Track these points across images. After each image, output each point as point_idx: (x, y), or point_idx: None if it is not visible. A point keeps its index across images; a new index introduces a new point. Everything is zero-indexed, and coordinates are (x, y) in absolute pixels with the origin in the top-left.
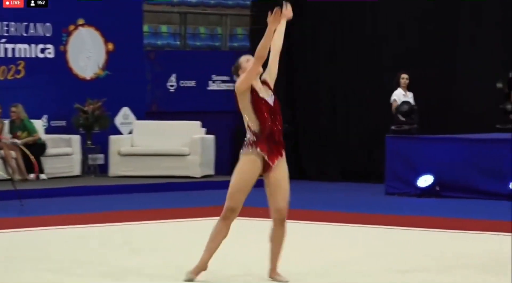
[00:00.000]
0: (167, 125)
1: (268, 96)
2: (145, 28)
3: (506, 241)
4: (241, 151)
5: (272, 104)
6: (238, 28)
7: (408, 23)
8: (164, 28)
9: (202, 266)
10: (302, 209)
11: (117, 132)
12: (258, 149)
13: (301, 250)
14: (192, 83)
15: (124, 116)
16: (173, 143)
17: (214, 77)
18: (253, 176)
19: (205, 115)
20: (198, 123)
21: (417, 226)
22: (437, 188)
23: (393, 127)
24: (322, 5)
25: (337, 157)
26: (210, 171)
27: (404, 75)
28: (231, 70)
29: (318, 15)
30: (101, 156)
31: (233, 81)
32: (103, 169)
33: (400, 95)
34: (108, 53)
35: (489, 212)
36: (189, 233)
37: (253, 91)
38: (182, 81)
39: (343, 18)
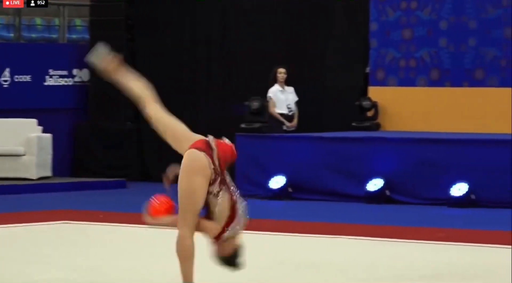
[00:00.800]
0: (0, 123)
1: None
2: None
3: (362, 245)
4: None
5: None
6: (76, 19)
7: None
8: None
9: None
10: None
11: None
12: None
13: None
14: (27, 78)
15: None
16: (7, 142)
17: (51, 71)
18: None
19: (41, 112)
20: (34, 121)
21: (267, 230)
22: (290, 190)
23: (243, 125)
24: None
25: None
26: (47, 172)
27: (281, 70)
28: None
29: (166, 15)
30: None
31: (72, 76)
32: None
33: (276, 92)
34: None
35: (345, 214)
36: (21, 241)
37: None
38: (16, 76)
39: (194, 17)
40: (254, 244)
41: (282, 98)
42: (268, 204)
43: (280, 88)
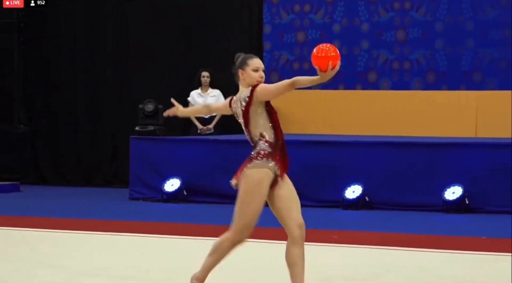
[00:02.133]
0: None
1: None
2: None
3: (262, 248)
4: (248, 165)
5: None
6: None
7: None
8: None
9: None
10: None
11: None
12: (273, 163)
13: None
14: None
15: None
16: None
17: None
18: (266, 193)
19: None
20: None
21: (163, 233)
22: (185, 192)
23: (137, 128)
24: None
25: (80, 160)
26: None
27: (205, 73)
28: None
29: (58, 18)
30: None
31: None
32: None
33: (195, 95)
34: None
35: None
36: None
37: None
38: None
39: (88, 20)
40: (151, 247)
41: (200, 101)
42: (163, 207)
43: (200, 92)
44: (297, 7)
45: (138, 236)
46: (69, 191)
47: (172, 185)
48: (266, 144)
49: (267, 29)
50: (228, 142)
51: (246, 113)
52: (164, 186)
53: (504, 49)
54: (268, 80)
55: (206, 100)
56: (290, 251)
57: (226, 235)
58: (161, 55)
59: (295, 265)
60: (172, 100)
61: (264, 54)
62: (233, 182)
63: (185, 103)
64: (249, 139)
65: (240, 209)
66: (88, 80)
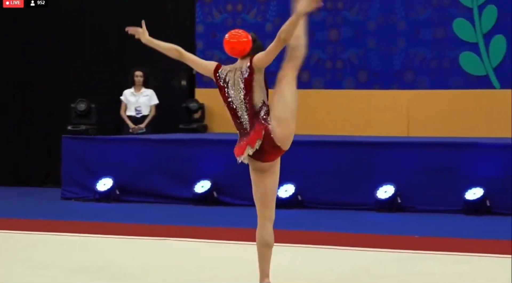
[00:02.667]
0: None
1: None
2: None
3: (191, 247)
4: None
5: None
6: None
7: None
8: None
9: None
10: None
11: None
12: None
13: None
14: None
15: None
16: None
17: None
18: None
19: None
20: None
21: (93, 232)
22: (117, 192)
23: (69, 127)
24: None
25: (11, 159)
26: None
27: (138, 73)
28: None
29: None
30: None
31: None
32: None
33: (128, 94)
34: None
35: (173, 216)
36: None
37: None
38: None
39: (23, 19)
40: (82, 246)
41: (132, 101)
42: (95, 207)
43: (132, 91)
44: (229, 7)
45: (68, 236)
46: (1, 191)
47: (104, 184)
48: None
49: (199, 28)
50: (160, 141)
51: (250, 81)
52: (96, 186)
53: (435, 49)
54: (201, 80)
55: (138, 99)
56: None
57: (265, 225)
58: (94, 54)
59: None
60: (143, 24)
61: (197, 53)
62: (256, 145)
63: (118, 102)
64: (248, 108)
65: (274, 196)
66: (20, 79)
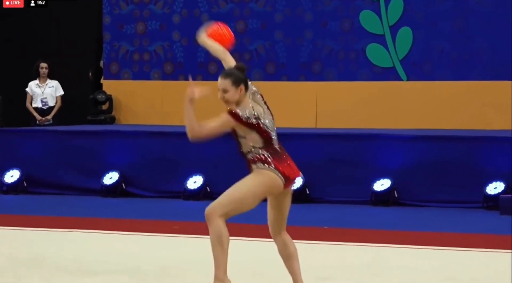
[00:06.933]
0: None
1: None
2: None
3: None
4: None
5: None
6: None
7: None
8: None
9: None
10: None
11: None
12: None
13: None
14: None
15: None
16: None
17: None
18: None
19: None
20: None
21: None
22: (25, 184)
23: None
24: None
25: None
26: None
27: (43, 64)
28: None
29: None
30: None
31: None
32: None
33: (33, 86)
34: None
35: (81, 208)
36: None
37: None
38: None
39: None
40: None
41: (38, 92)
42: (2, 198)
43: (37, 82)
44: None
45: None
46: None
47: (11, 176)
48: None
49: (106, 19)
50: (68, 132)
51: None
52: (3, 177)
53: (342, 40)
54: (108, 71)
55: (44, 90)
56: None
57: (216, 222)
58: None
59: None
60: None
61: (104, 45)
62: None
63: (24, 94)
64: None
65: (241, 197)
66: None
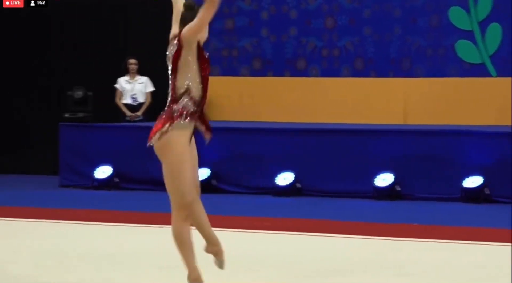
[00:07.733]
0: None
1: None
2: None
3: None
4: (168, 125)
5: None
6: None
7: None
8: None
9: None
10: None
11: None
12: (197, 123)
13: None
14: None
15: None
16: None
17: None
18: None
19: None
20: None
21: (94, 220)
22: (116, 180)
23: (66, 115)
24: None
25: (9, 146)
26: None
27: (132, 61)
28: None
29: None
30: None
31: None
32: None
33: (122, 82)
34: None
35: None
36: None
37: (199, 46)
38: None
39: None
40: (83, 234)
41: (128, 88)
42: (94, 194)
43: (127, 79)
44: None
45: (69, 223)
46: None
47: (103, 172)
48: (191, 102)
49: None
50: None
51: (176, 58)
52: (94, 173)
53: (431, 36)
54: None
55: (134, 87)
56: (195, 210)
57: (176, 223)
58: (89, 41)
59: (200, 219)
60: None
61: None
62: (153, 141)
63: (113, 90)
64: (171, 89)
65: (174, 183)
66: (16, 68)
